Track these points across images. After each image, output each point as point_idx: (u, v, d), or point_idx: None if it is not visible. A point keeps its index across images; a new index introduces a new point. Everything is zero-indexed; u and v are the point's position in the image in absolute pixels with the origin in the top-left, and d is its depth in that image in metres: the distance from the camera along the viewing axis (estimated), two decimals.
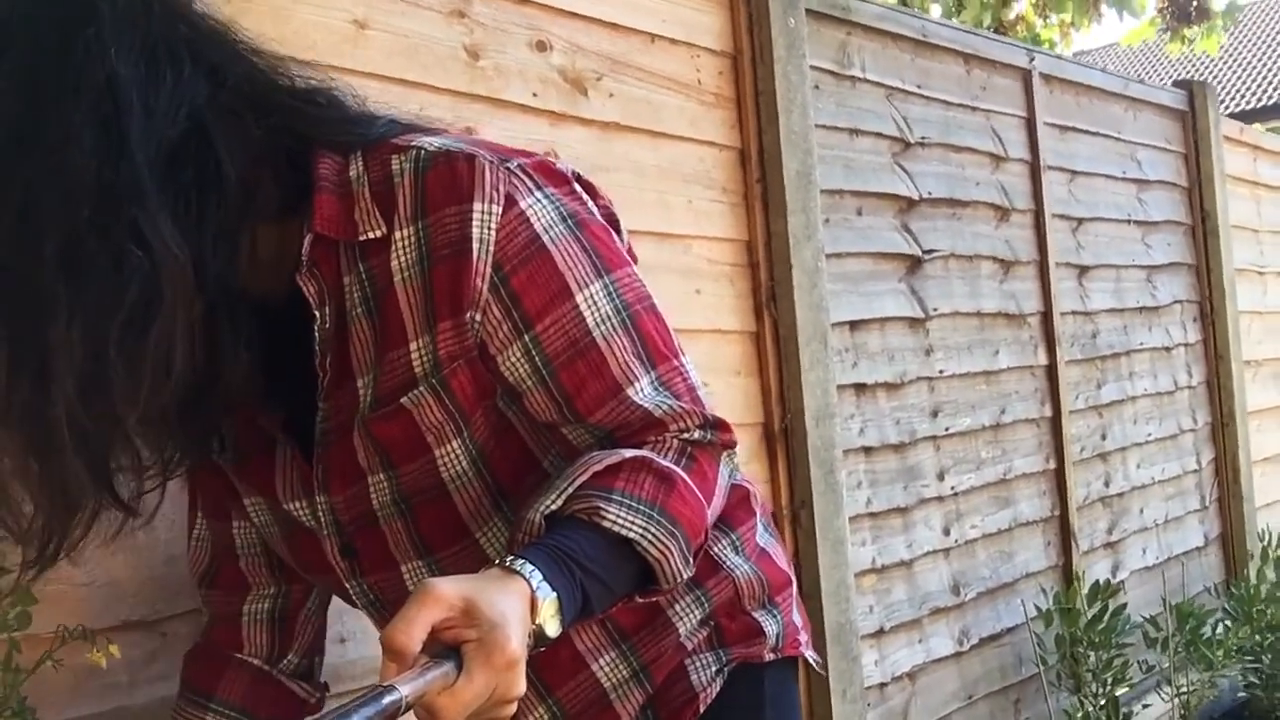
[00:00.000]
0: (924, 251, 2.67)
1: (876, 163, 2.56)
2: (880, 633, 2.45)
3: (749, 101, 2.20)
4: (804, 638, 1.18)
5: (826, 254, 2.34)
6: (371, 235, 0.97)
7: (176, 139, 0.89)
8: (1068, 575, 3.01)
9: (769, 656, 1.11)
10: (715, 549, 1.10)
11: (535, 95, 1.86)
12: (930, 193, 2.70)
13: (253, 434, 1.07)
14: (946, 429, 2.70)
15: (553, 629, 0.85)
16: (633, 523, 0.91)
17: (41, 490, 0.91)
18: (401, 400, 0.98)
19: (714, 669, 1.09)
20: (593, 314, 0.96)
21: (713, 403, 1.04)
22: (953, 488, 2.70)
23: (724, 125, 2.19)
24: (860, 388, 2.47)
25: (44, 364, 0.86)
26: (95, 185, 0.85)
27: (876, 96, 2.58)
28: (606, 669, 1.08)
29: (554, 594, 0.85)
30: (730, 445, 1.02)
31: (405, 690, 0.74)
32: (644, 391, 0.97)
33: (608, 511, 0.90)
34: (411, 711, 0.77)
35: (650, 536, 0.92)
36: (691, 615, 1.09)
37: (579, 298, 0.96)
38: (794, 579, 1.20)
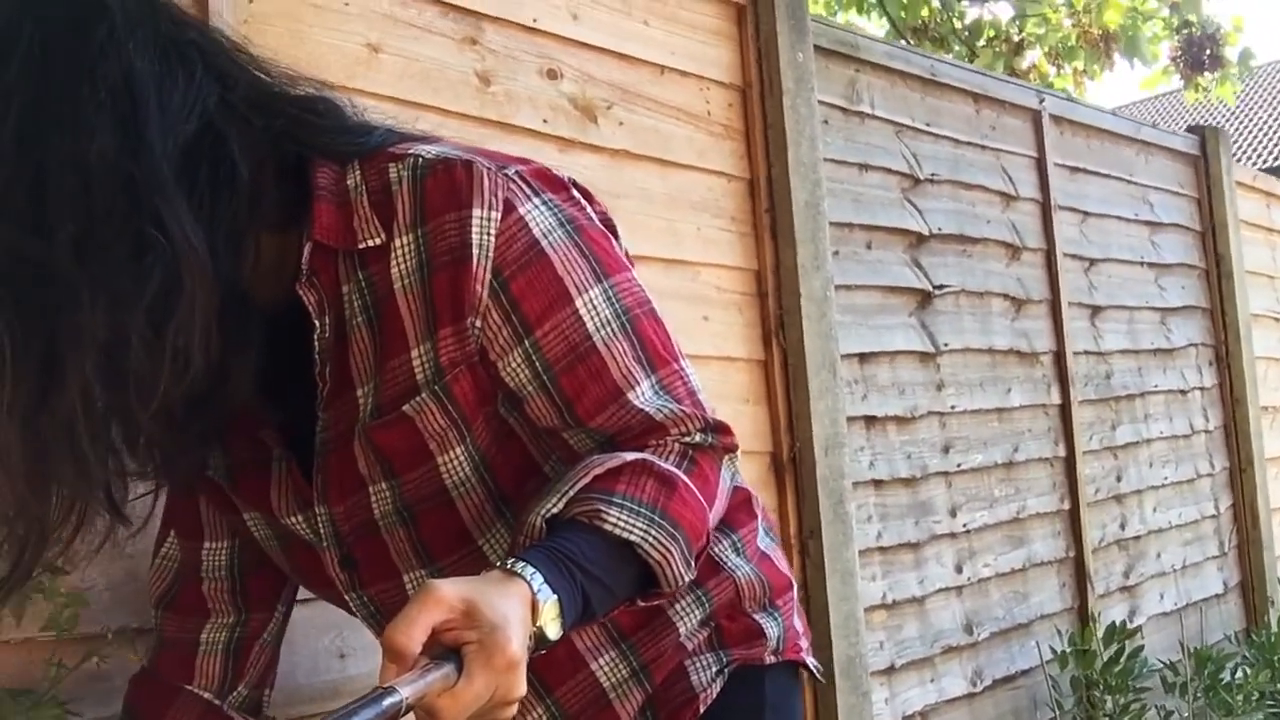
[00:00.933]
0: (934, 287, 2.67)
1: (886, 198, 2.58)
2: (891, 669, 2.41)
3: (758, 133, 2.22)
4: (805, 644, 1.17)
5: (835, 285, 2.35)
6: (371, 243, 0.97)
7: (191, 136, 0.90)
8: (1084, 618, 2.96)
9: (770, 659, 1.11)
10: (716, 550, 1.10)
11: (545, 121, 1.89)
12: (940, 229, 2.71)
13: (247, 450, 1.07)
14: (958, 465, 2.69)
15: (554, 631, 0.85)
16: (634, 525, 0.91)
17: (34, 490, 0.90)
18: (403, 408, 0.97)
19: (714, 670, 1.08)
20: (592, 319, 0.97)
21: (713, 405, 1.04)
22: (965, 525, 2.68)
23: (733, 156, 2.21)
24: (870, 420, 2.46)
25: (59, 354, 0.85)
26: (115, 174, 0.85)
27: (886, 133, 2.60)
28: (606, 668, 1.08)
29: (555, 596, 0.84)
30: (732, 449, 1.02)
31: (406, 692, 0.74)
32: (645, 396, 0.97)
33: (609, 514, 0.90)
34: (412, 713, 0.77)
35: (651, 539, 0.92)
36: (692, 615, 1.08)
37: (578, 302, 0.96)
38: (794, 583, 1.19)
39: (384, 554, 1.05)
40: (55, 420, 0.87)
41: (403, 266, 0.96)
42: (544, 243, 0.96)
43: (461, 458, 0.99)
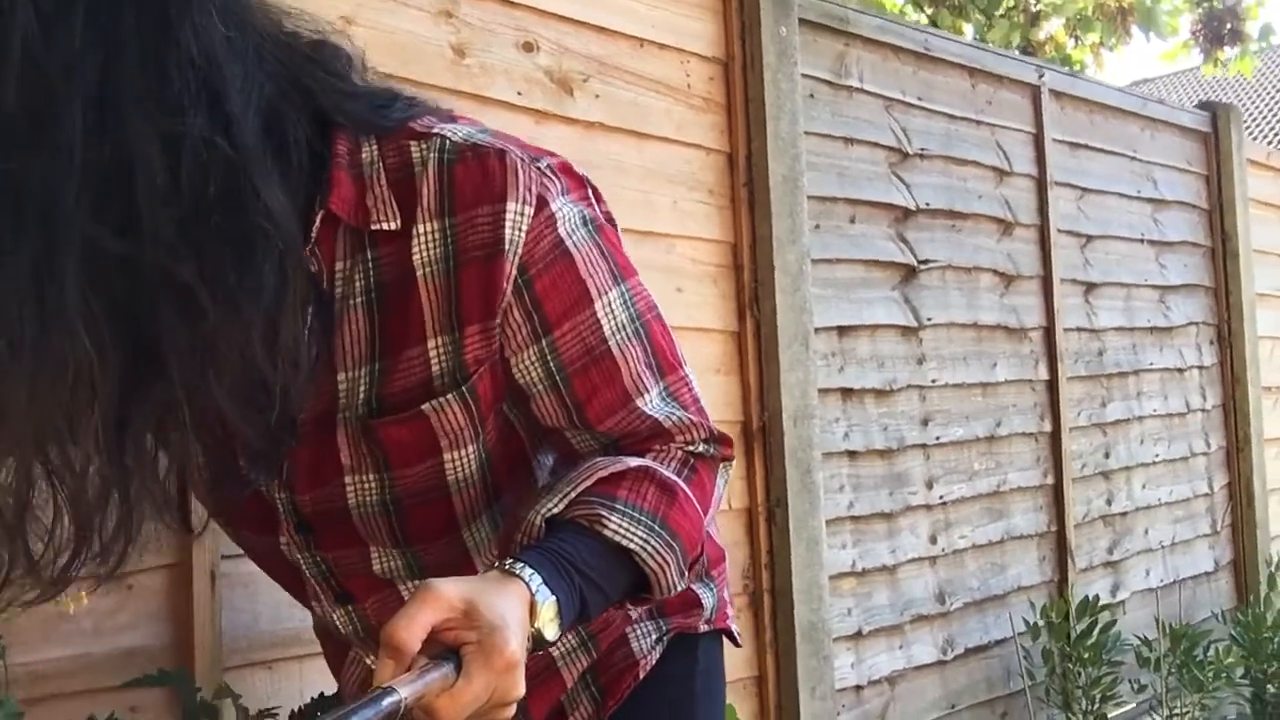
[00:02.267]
0: (919, 261, 2.70)
1: (872, 172, 2.60)
2: (859, 635, 2.47)
3: (739, 107, 2.25)
4: (731, 611, 1.22)
5: (816, 259, 2.38)
6: (386, 226, 0.92)
7: (264, 109, 0.83)
8: (1063, 592, 3.00)
9: (703, 628, 1.14)
10: None
11: (520, 94, 1.93)
12: (928, 204, 2.72)
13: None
14: (937, 438, 2.72)
15: (551, 632, 0.85)
16: (633, 533, 0.91)
17: (101, 503, 0.83)
18: (423, 406, 0.94)
19: (654, 637, 1.11)
20: (609, 322, 0.95)
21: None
22: (941, 497, 2.72)
23: (713, 130, 2.24)
24: (847, 392, 2.50)
25: (167, 370, 0.79)
26: (212, 157, 0.77)
27: (875, 107, 2.62)
28: None
29: (553, 597, 0.85)
30: (729, 460, 1.03)
31: (405, 692, 0.74)
32: (653, 402, 0.97)
33: (609, 520, 0.90)
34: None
35: (650, 548, 0.92)
36: None
37: (597, 305, 0.95)
38: (726, 556, 1.23)
39: (349, 531, 1.02)
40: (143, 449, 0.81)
41: (426, 254, 0.92)
42: (569, 241, 0.94)
43: (470, 455, 0.98)
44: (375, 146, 0.93)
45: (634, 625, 1.12)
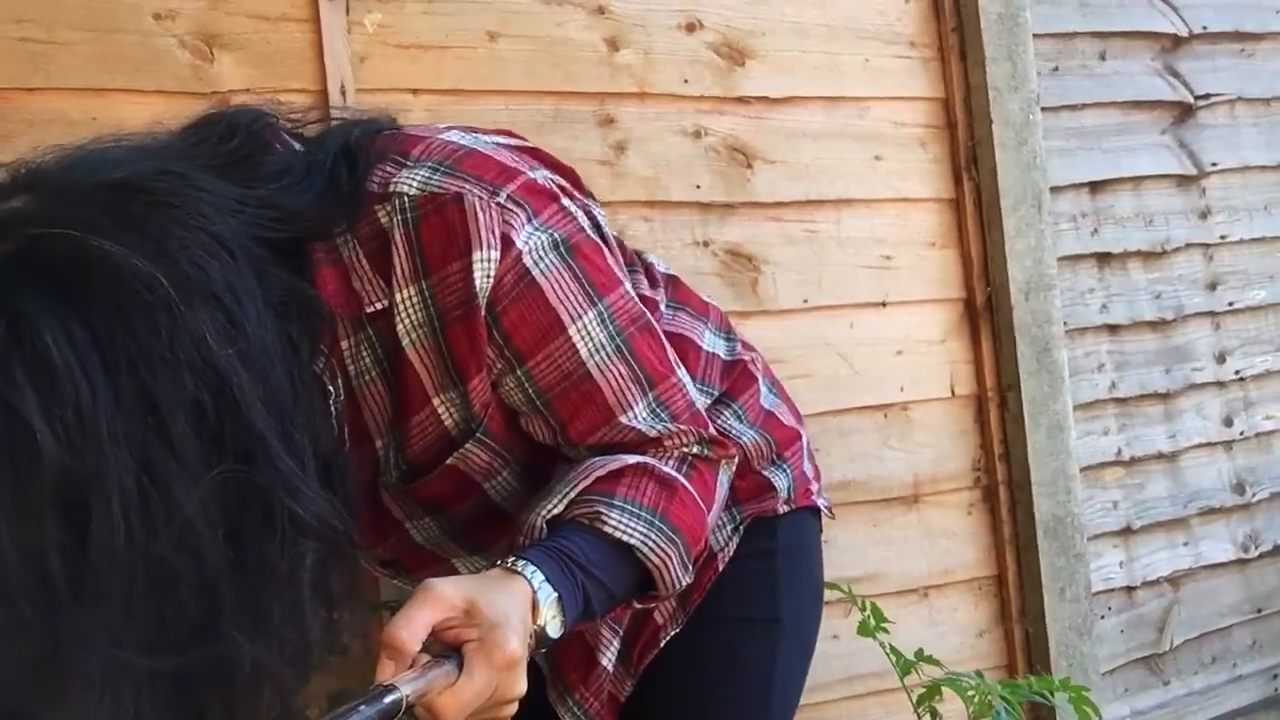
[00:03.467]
0: (1196, 97, 2.29)
1: None
2: (1128, 531, 2.19)
3: None
4: (815, 486, 1.19)
5: (1053, 107, 2.08)
6: (378, 306, 0.92)
7: (278, 311, 0.82)
8: None
9: (782, 509, 1.14)
10: (719, 422, 1.11)
11: None
12: (1206, 27, 2.30)
13: None
14: (1230, 304, 2.33)
15: (554, 630, 0.86)
16: (634, 529, 0.92)
17: None
18: (448, 461, 0.97)
19: (729, 528, 1.11)
20: (586, 345, 0.95)
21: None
22: (1238, 372, 2.33)
23: None
24: (1103, 257, 2.18)
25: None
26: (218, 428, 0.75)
27: None
28: None
29: (555, 594, 0.85)
30: (729, 458, 1.03)
31: (406, 690, 0.75)
32: (639, 416, 0.97)
33: (609, 517, 0.91)
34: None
35: (651, 543, 0.92)
36: None
37: (572, 330, 0.94)
38: (803, 432, 1.19)
39: (429, 554, 1.07)
40: None
41: (408, 321, 0.92)
42: (535, 271, 0.93)
43: (507, 475, 1.01)
44: (346, 230, 0.91)
45: None
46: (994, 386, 2.00)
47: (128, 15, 1.47)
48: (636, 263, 1.15)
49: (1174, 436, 2.25)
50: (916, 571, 1.95)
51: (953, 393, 2.00)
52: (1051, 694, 1.23)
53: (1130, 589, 2.18)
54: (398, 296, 0.91)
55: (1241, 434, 2.33)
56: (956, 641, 1.97)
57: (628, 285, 1.00)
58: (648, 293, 1.11)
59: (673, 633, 1.09)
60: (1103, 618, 2.12)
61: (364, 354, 0.93)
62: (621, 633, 1.08)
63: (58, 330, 0.70)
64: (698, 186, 1.80)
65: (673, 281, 1.20)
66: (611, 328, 0.96)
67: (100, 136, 0.86)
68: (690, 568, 0.97)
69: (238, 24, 1.53)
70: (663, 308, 1.14)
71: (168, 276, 0.74)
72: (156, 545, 0.71)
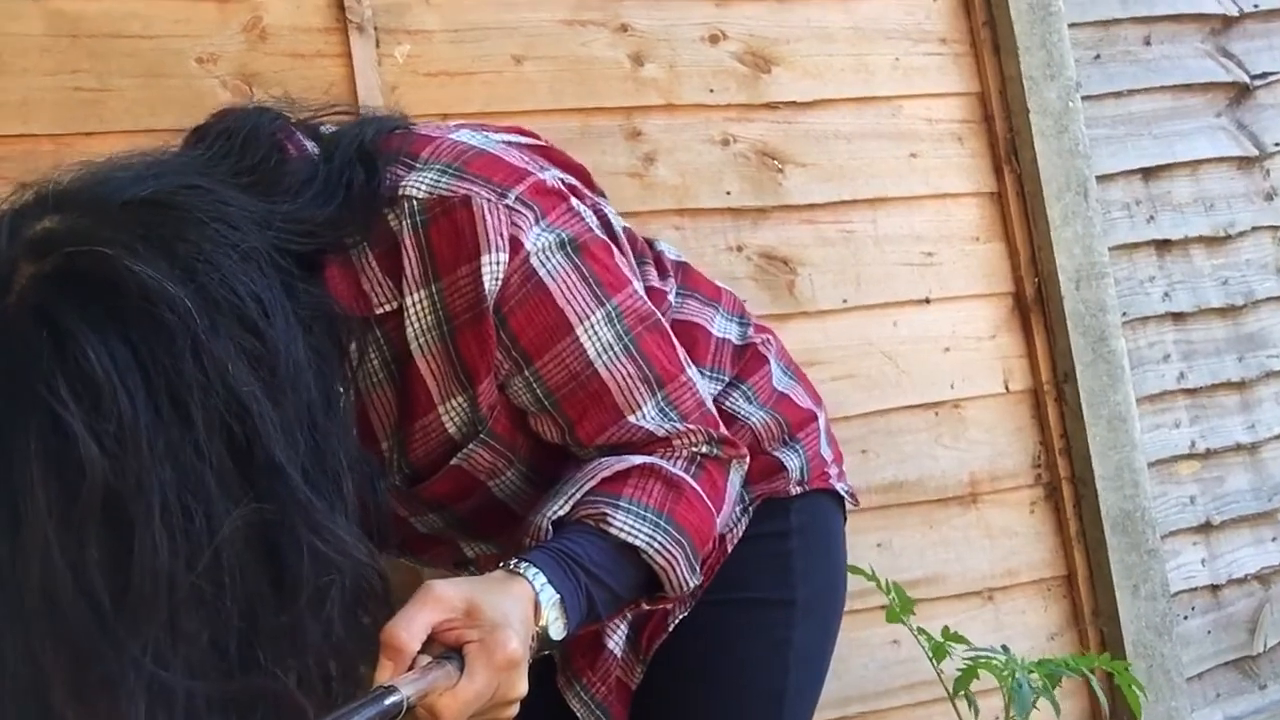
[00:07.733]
0: (1253, 77, 2.22)
1: None
2: (1208, 527, 2.09)
3: None
4: (834, 470, 1.15)
5: (1098, 95, 2.04)
6: (388, 308, 0.92)
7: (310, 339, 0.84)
8: None
9: (795, 490, 1.11)
10: (727, 404, 1.10)
11: None
12: (1257, 6, 2.23)
13: None
14: None
15: (557, 631, 0.85)
16: (639, 530, 0.91)
17: None
18: (452, 462, 0.97)
19: (738, 509, 1.09)
20: (594, 345, 0.95)
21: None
22: None
23: None
24: (1162, 244, 2.12)
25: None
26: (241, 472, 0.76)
27: None
28: None
29: (557, 596, 0.85)
30: (741, 458, 1.02)
31: (407, 691, 0.75)
32: (648, 415, 0.96)
33: (614, 518, 0.91)
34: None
35: (656, 545, 0.92)
36: None
37: (579, 330, 0.94)
38: (820, 414, 1.15)
39: (433, 539, 1.07)
40: None
41: (418, 325, 0.92)
42: (542, 271, 0.93)
43: (512, 475, 1.01)
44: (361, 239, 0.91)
45: None
46: (1050, 379, 1.95)
47: (173, 61, 1.56)
48: (647, 253, 1.14)
49: (1253, 427, 2.16)
50: (978, 573, 1.89)
51: (1007, 388, 1.95)
52: (1092, 671, 1.18)
53: (1215, 588, 2.08)
54: (408, 300, 0.91)
55: None
56: (1027, 645, 1.90)
57: (637, 284, 1.00)
58: (656, 284, 1.11)
59: (681, 616, 1.07)
60: (1186, 618, 2.03)
61: (372, 356, 0.94)
62: (629, 617, 1.08)
63: (100, 347, 0.71)
64: (728, 193, 1.81)
65: (682, 268, 1.20)
66: (619, 327, 0.95)
67: (120, 153, 0.88)
68: (698, 569, 0.95)
69: (275, 63, 1.60)
70: (671, 297, 1.13)
71: (198, 297, 0.75)
72: (197, 562, 0.72)
